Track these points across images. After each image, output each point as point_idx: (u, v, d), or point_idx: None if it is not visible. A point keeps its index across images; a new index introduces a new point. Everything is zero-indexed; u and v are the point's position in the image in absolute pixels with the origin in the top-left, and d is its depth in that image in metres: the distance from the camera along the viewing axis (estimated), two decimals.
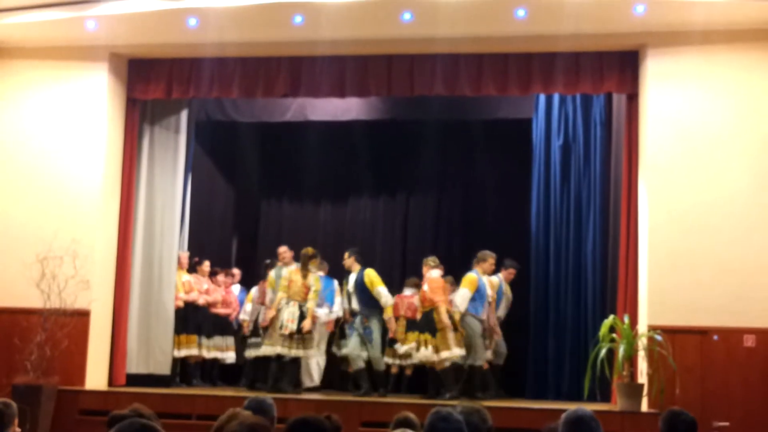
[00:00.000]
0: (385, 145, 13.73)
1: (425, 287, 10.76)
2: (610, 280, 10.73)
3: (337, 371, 12.08)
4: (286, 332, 10.55)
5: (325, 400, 10.07)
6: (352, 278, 11.14)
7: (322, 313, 11.32)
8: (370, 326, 10.94)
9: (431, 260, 11.01)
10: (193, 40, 10.46)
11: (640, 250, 9.85)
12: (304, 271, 10.84)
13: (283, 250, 11.53)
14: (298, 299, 10.71)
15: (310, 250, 11.01)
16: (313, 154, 13.81)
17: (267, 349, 10.72)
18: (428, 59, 10.38)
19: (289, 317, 10.61)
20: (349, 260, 11.24)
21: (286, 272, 11.06)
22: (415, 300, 11.28)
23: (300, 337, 10.63)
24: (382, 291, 10.94)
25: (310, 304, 10.68)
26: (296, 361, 10.84)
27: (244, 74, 10.71)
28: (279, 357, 10.68)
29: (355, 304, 11.10)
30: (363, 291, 10.97)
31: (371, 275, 11.00)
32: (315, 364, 11.66)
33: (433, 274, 10.83)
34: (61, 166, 10.65)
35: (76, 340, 10.19)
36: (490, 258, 11.13)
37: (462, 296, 10.78)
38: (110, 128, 10.80)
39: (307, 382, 11.45)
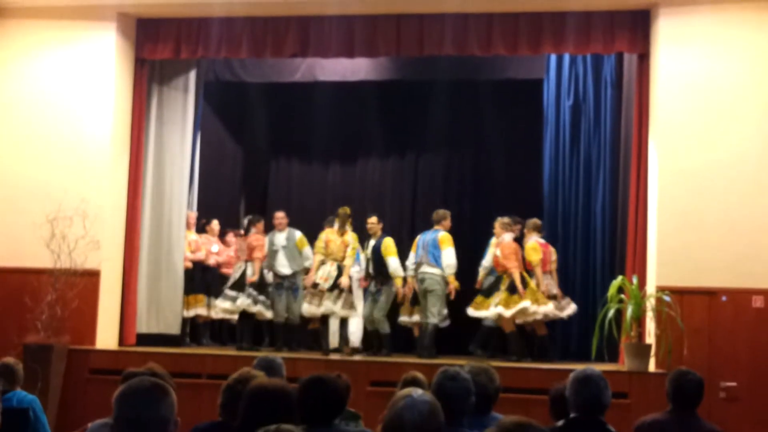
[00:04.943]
0: (395, 105, 13.67)
1: (497, 252, 10.75)
2: (619, 240, 10.74)
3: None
4: (322, 290, 10.76)
5: (334, 360, 10.13)
6: (372, 243, 11.15)
7: (354, 270, 11.27)
8: (382, 290, 10.99)
9: (506, 221, 11.00)
10: None
11: (650, 211, 9.85)
12: (342, 230, 10.98)
13: (281, 216, 11.59)
14: (337, 259, 10.87)
15: (347, 209, 11.15)
16: (322, 115, 13.75)
17: (311, 309, 10.84)
18: (438, 19, 10.32)
19: (323, 275, 10.80)
20: (377, 225, 11.20)
21: (279, 237, 11.30)
22: None
23: (345, 296, 10.82)
24: (392, 261, 10.95)
25: (348, 262, 10.87)
26: (326, 323, 10.95)
27: (252, 34, 10.68)
28: (324, 317, 10.86)
29: (371, 269, 11.14)
30: (377, 259, 11.00)
31: (388, 243, 11.02)
32: (355, 325, 11.58)
33: (506, 238, 10.82)
34: (70, 127, 10.66)
35: (87, 299, 10.26)
36: (448, 215, 11.14)
37: (452, 256, 10.77)
38: (119, 88, 10.80)
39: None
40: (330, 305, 10.77)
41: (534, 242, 10.87)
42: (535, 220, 11.15)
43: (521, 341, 10.69)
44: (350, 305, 10.97)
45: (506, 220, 10.99)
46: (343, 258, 10.90)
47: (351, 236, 11.05)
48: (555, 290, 10.81)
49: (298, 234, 11.43)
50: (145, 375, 4.00)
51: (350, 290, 10.98)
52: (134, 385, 3.08)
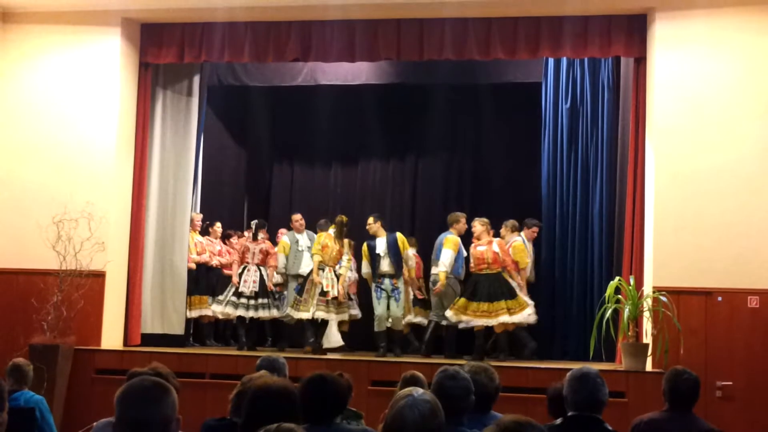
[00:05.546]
0: (395, 109, 13.74)
1: (495, 247, 10.80)
2: (617, 242, 10.81)
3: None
4: (329, 297, 10.81)
5: (335, 360, 10.20)
6: (382, 242, 11.15)
7: (351, 276, 11.37)
8: (399, 287, 11.08)
9: (486, 221, 11.09)
10: (204, 5, 10.55)
11: (646, 213, 9.93)
12: (340, 239, 11.05)
13: (299, 218, 11.74)
14: (331, 264, 10.94)
15: (344, 217, 11.22)
16: (324, 118, 13.84)
17: (305, 314, 10.88)
18: (437, 23, 10.42)
19: (327, 282, 10.85)
20: (375, 225, 11.25)
21: (302, 239, 11.53)
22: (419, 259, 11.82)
23: (336, 300, 10.89)
24: (411, 255, 11.22)
25: (342, 271, 10.97)
26: (325, 324, 10.97)
27: (254, 38, 10.77)
28: (314, 320, 10.87)
29: (386, 267, 11.10)
30: (397, 254, 11.07)
31: (403, 239, 11.21)
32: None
33: (493, 237, 10.98)
34: (76, 130, 10.76)
35: (92, 300, 10.36)
36: (461, 218, 11.26)
37: (449, 257, 10.92)
38: (123, 92, 10.90)
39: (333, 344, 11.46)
40: (334, 310, 10.89)
41: (521, 242, 11.01)
42: (514, 221, 11.29)
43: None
44: (343, 310, 11.08)
45: (485, 220, 11.10)
46: (336, 264, 11.01)
47: (347, 246, 11.17)
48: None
49: (315, 235, 11.57)
50: (148, 374, 4.07)
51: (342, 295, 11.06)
52: (135, 385, 3.09)
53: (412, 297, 11.56)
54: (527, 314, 10.64)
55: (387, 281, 11.10)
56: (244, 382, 4.59)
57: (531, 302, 10.82)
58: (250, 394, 3.97)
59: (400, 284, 11.12)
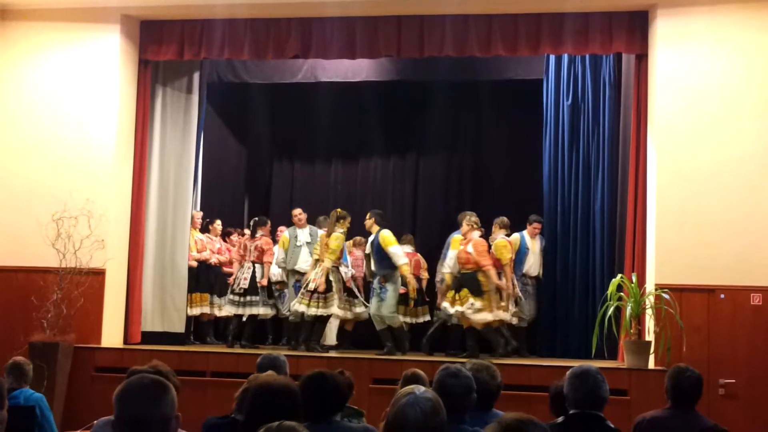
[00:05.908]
0: (396, 105, 13.74)
1: (469, 248, 10.63)
2: (618, 239, 10.80)
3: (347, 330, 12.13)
4: (310, 289, 10.69)
5: (336, 358, 10.19)
6: (370, 239, 11.05)
7: (343, 271, 11.14)
8: (386, 286, 10.84)
9: (473, 219, 10.91)
10: (204, 1, 10.52)
11: (648, 210, 9.92)
12: (329, 231, 10.92)
13: (298, 212, 11.71)
14: (322, 260, 10.82)
15: (338, 211, 11.11)
16: (324, 115, 13.85)
17: (296, 307, 10.83)
18: (438, 20, 10.39)
19: (314, 277, 10.75)
20: (369, 221, 11.06)
21: (302, 234, 11.51)
22: (418, 257, 11.84)
23: (321, 295, 10.68)
24: (394, 251, 10.75)
25: (327, 263, 10.71)
26: (322, 320, 10.87)
27: (254, 35, 10.75)
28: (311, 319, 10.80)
29: (372, 265, 11.02)
30: (378, 252, 10.86)
31: (385, 236, 10.83)
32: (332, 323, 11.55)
33: (475, 235, 10.72)
34: (75, 127, 10.74)
35: (92, 298, 10.33)
36: (466, 217, 11.10)
37: (454, 257, 10.89)
38: (123, 89, 10.88)
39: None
40: (307, 302, 10.73)
41: (504, 239, 10.93)
42: (503, 218, 11.23)
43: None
44: (328, 305, 10.81)
45: (474, 218, 11.01)
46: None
47: (335, 238, 10.84)
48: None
49: (320, 231, 11.43)
50: (148, 372, 4.06)
51: (330, 289, 10.78)
52: (134, 383, 3.08)
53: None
54: (480, 317, 10.47)
55: (376, 280, 10.97)
56: (251, 380, 4.57)
57: (497, 307, 10.68)
58: (252, 392, 3.97)
59: (388, 284, 10.84)
